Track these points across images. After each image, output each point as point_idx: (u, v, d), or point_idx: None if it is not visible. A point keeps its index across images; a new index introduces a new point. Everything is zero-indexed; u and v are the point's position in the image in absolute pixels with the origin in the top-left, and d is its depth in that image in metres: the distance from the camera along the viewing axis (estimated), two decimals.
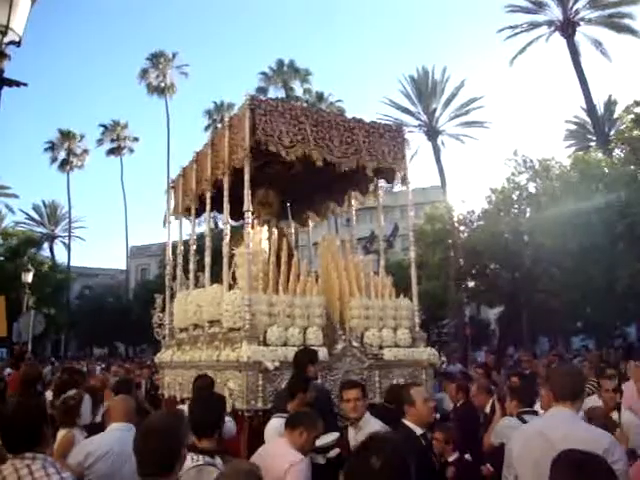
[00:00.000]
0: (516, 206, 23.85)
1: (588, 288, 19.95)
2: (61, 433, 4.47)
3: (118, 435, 3.68)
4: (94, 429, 4.51)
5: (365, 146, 7.06)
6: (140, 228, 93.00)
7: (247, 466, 2.88)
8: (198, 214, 8.48)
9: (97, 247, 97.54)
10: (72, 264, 45.68)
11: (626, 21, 28.24)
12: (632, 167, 20.15)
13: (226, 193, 6.64)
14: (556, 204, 20.32)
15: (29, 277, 21.01)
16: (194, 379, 5.59)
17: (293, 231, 9.84)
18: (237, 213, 6.49)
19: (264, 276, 6.39)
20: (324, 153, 6.67)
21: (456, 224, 25.87)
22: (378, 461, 1.94)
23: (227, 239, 6.65)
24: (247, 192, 6.23)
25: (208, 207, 7.53)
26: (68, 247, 47.11)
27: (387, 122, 8.03)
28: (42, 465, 2.66)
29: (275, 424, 4.52)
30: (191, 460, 3.13)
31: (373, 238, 22.83)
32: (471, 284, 25.94)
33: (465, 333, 27.23)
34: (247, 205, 6.26)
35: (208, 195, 7.45)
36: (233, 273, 6.68)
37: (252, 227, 6.76)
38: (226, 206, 6.64)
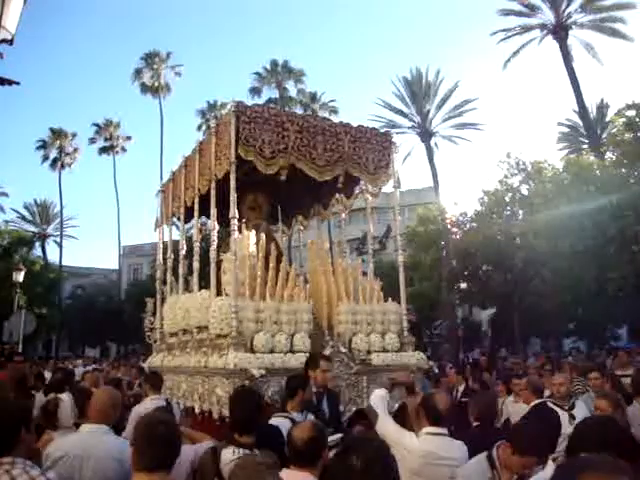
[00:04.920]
0: (508, 208, 23.96)
1: (579, 290, 20.07)
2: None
3: (82, 437, 3.60)
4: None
5: (350, 152, 7.02)
6: (133, 227, 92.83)
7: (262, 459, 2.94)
8: (188, 219, 8.46)
9: (89, 246, 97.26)
10: (64, 263, 45.48)
11: (618, 25, 28.44)
12: (623, 170, 20.26)
13: (213, 200, 6.62)
14: (548, 206, 20.41)
15: (20, 276, 20.91)
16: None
17: (285, 232, 9.83)
18: (226, 218, 6.47)
19: (251, 282, 6.37)
20: (306, 163, 6.65)
21: (449, 226, 25.97)
22: (359, 461, 1.96)
23: (214, 245, 6.63)
24: (233, 200, 6.21)
25: (196, 214, 7.51)
26: (60, 246, 46.88)
27: (375, 127, 7.94)
28: (23, 469, 2.62)
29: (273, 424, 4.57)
30: (232, 453, 3.42)
31: (365, 239, 22.86)
32: (463, 285, 26.03)
33: (457, 334, 27.31)
34: (233, 212, 6.23)
35: (196, 201, 7.43)
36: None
37: (240, 232, 6.75)
38: (213, 212, 6.62)
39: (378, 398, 4.38)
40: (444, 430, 3.87)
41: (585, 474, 1.46)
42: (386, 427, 4.06)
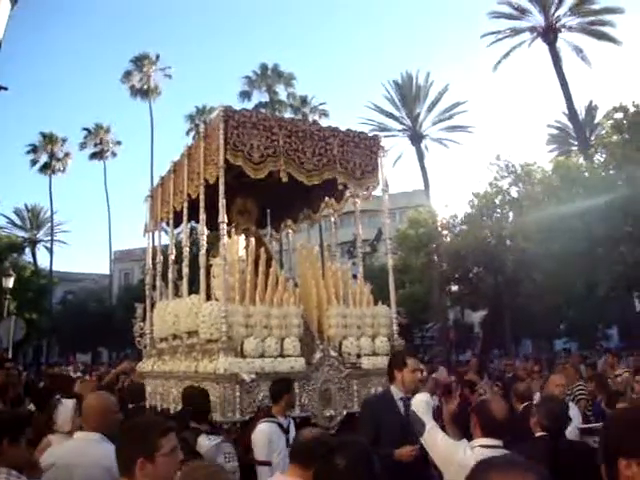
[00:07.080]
0: (498, 210, 24.07)
1: (570, 292, 20.19)
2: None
3: (73, 445, 3.58)
4: None
5: (338, 157, 7.02)
6: (124, 232, 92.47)
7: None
8: (177, 224, 8.43)
9: (80, 252, 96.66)
10: (54, 269, 45.16)
11: (606, 29, 28.75)
12: (612, 172, 20.41)
13: (202, 204, 6.60)
14: (538, 208, 20.52)
15: (10, 282, 20.78)
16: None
17: (274, 236, 9.82)
18: (215, 223, 6.46)
19: (241, 286, 6.36)
20: (294, 167, 6.65)
21: (439, 228, 26.05)
22: (343, 461, 2.05)
23: (204, 250, 6.61)
24: (222, 204, 6.20)
25: (185, 218, 7.48)
26: (50, 251, 46.59)
27: (363, 130, 7.95)
28: (7, 479, 2.64)
29: (264, 429, 4.67)
30: (209, 439, 4.15)
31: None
32: (454, 288, 26.11)
33: (449, 337, 27.38)
34: (222, 217, 6.23)
35: (185, 206, 7.41)
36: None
37: (229, 236, 6.74)
38: (202, 217, 6.59)
39: (423, 404, 3.77)
40: (500, 442, 3.32)
41: (491, 475, 1.40)
42: (435, 440, 3.57)
